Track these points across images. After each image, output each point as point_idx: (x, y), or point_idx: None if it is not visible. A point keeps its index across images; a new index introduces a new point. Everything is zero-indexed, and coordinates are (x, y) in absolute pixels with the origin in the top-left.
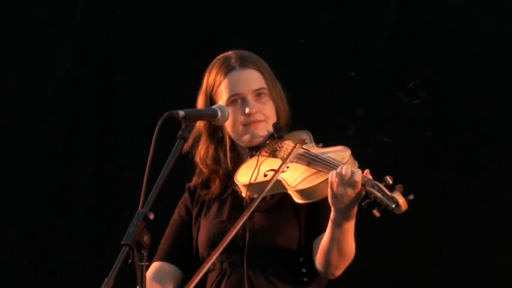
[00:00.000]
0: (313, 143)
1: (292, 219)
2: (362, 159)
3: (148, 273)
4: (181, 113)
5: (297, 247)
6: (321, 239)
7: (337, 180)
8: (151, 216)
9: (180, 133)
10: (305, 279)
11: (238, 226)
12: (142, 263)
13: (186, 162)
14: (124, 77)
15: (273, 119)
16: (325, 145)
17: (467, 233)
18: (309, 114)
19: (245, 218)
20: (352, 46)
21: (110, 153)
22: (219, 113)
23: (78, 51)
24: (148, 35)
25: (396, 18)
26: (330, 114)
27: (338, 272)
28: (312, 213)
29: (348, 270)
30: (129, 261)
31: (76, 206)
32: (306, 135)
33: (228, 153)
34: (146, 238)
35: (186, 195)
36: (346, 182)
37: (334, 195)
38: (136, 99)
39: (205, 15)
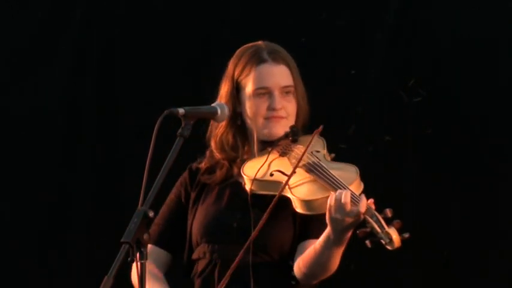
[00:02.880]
0: (326, 152)
1: (289, 221)
2: (362, 158)
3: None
4: (181, 111)
5: (289, 251)
6: (307, 244)
7: (335, 206)
8: (151, 214)
9: (179, 131)
10: (293, 283)
11: (259, 227)
12: (142, 261)
13: (186, 161)
14: (124, 76)
15: (294, 117)
16: (336, 157)
17: (467, 232)
18: (309, 112)
19: (265, 218)
20: (353, 44)
21: (110, 152)
22: (219, 111)
23: (77, 51)
24: (148, 35)
25: (396, 17)
26: (330, 112)
27: (314, 282)
28: (305, 219)
29: (347, 269)
30: (129, 259)
31: (76, 205)
32: (320, 141)
33: (255, 143)
34: (146, 236)
35: (186, 175)
36: (343, 210)
37: (329, 216)
38: (136, 98)
39: (204, 15)
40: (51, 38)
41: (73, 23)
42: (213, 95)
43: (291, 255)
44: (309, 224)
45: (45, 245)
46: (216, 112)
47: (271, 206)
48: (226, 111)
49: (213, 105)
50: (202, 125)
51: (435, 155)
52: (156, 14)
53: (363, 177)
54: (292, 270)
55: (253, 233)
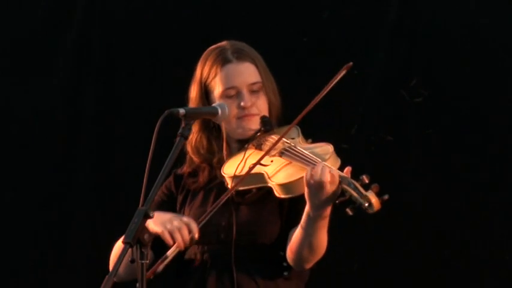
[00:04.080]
0: (301, 138)
1: (275, 214)
2: (364, 158)
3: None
4: (181, 111)
5: (278, 241)
6: (295, 230)
7: (310, 178)
8: (152, 214)
9: (180, 131)
10: (285, 273)
11: (214, 210)
12: (143, 261)
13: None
14: (124, 76)
15: (266, 112)
16: (314, 141)
17: (468, 232)
18: (311, 112)
19: (221, 203)
20: (354, 44)
21: (110, 152)
22: (220, 111)
23: (78, 51)
24: (149, 34)
25: (398, 16)
26: (332, 112)
27: (307, 266)
28: (292, 207)
29: (350, 269)
30: (130, 259)
31: (76, 204)
32: (294, 129)
33: (224, 143)
34: (147, 236)
35: (171, 179)
36: (318, 180)
37: (309, 191)
38: (136, 98)
39: (205, 13)
40: (51, 37)
41: (73, 22)
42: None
43: (281, 247)
44: (295, 213)
45: (45, 244)
46: (216, 112)
47: (246, 176)
48: (227, 111)
49: (213, 105)
50: None
51: (436, 155)
52: (156, 14)
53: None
54: (284, 260)
55: (205, 214)
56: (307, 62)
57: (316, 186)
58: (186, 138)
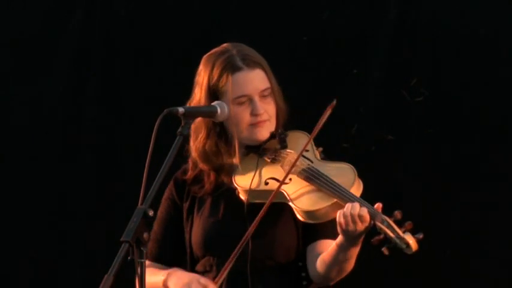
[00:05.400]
0: (315, 151)
1: (291, 225)
2: (365, 157)
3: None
4: (180, 110)
5: (296, 252)
6: (316, 246)
7: (345, 221)
8: (151, 212)
9: (179, 130)
10: (304, 283)
11: (247, 238)
12: (142, 260)
13: (186, 161)
14: (124, 75)
15: (274, 117)
16: (326, 155)
17: (469, 232)
18: (311, 112)
19: (252, 230)
20: (354, 44)
21: (110, 151)
22: (219, 110)
23: (78, 51)
24: (149, 35)
25: (398, 16)
26: (332, 111)
27: (332, 283)
28: None
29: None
30: (129, 257)
31: (76, 204)
32: (303, 136)
33: (237, 149)
34: (146, 235)
35: (172, 188)
36: (354, 222)
37: (342, 231)
38: (136, 98)
39: (206, 13)
40: (51, 38)
41: (74, 21)
42: None
43: (298, 257)
44: (313, 226)
45: (45, 243)
46: (215, 111)
47: (261, 213)
48: (226, 110)
49: (212, 104)
50: None
51: (437, 154)
52: (156, 14)
53: (365, 177)
54: (302, 271)
55: (243, 239)
56: (307, 62)
57: (349, 226)
58: (185, 136)
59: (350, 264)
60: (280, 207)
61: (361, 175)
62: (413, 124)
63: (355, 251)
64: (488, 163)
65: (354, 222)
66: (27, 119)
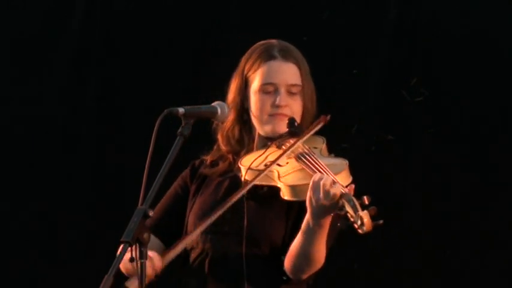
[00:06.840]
0: (324, 149)
1: (282, 215)
2: (364, 157)
3: None
4: (180, 110)
5: (281, 244)
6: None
7: (313, 186)
8: (151, 213)
9: (179, 130)
10: (284, 278)
11: (226, 207)
12: (142, 260)
13: (186, 160)
14: (124, 75)
15: (299, 117)
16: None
17: (469, 232)
18: (315, 115)
19: (233, 200)
20: (354, 44)
21: (110, 151)
22: (219, 111)
23: (78, 51)
24: (149, 34)
25: (398, 16)
26: (333, 112)
27: (303, 276)
28: (301, 214)
29: (350, 269)
30: (129, 258)
31: (76, 204)
32: (319, 139)
33: (256, 138)
34: (146, 235)
35: (188, 170)
36: (321, 191)
37: (310, 198)
38: (136, 98)
39: (206, 13)
40: (51, 38)
41: (74, 21)
42: (214, 94)
43: (283, 251)
44: (301, 222)
45: (45, 243)
46: (216, 111)
47: (260, 176)
48: (227, 110)
49: (213, 104)
50: (203, 124)
51: (437, 154)
52: (156, 14)
53: (364, 177)
54: (283, 265)
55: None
56: (307, 62)
57: (316, 194)
58: (186, 137)
59: (316, 252)
60: (276, 201)
61: (361, 175)
62: (413, 124)
63: (321, 234)
64: (488, 163)
65: (321, 191)
66: (27, 119)
